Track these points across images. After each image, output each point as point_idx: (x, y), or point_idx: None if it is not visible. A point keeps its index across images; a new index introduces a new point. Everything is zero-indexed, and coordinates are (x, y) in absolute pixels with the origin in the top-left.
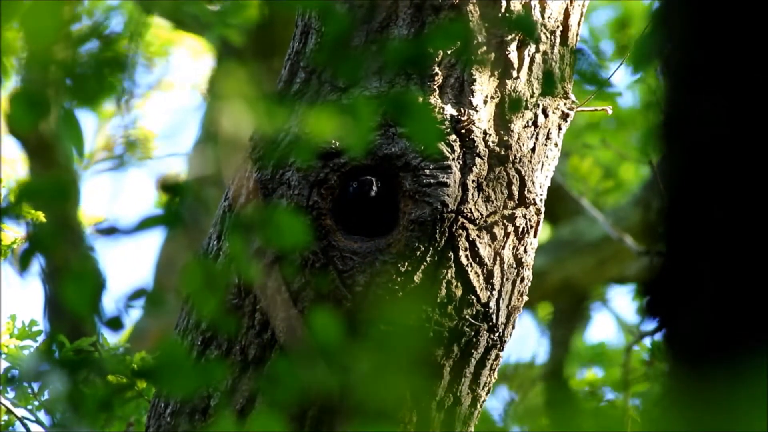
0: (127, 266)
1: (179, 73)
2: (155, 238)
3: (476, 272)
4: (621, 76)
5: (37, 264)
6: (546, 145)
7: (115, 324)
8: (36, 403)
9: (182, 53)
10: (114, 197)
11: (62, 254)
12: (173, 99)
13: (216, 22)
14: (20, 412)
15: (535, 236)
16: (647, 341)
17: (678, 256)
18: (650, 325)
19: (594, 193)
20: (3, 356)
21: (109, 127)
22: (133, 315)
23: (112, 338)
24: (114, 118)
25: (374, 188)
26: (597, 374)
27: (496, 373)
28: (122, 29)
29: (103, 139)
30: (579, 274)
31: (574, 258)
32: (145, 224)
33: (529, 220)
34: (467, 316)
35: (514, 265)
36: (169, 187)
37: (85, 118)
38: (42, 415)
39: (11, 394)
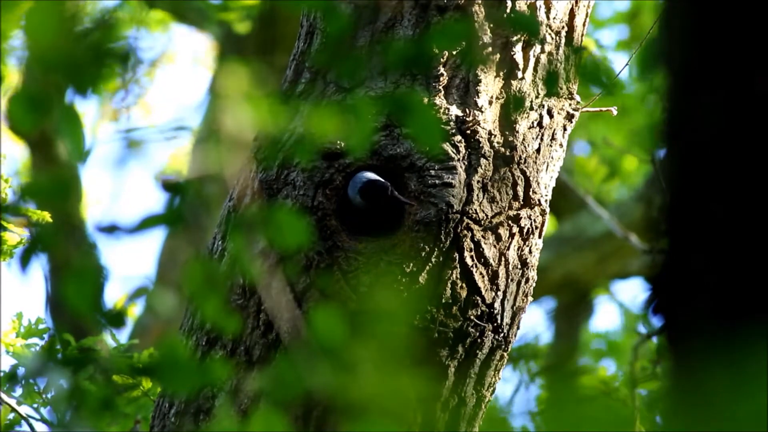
0: (130, 261)
1: (181, 47)
2: (158, 233)
3: (481, 273)
4: (626, 70)
5: (38, 262)
6: (551, 145)
7: (117, 321)
8: (41, 401)
9: (182, 28)
10: (115, 192)
11: (64, 252)
12: (176, 75)
13: (214, 10)
14: (25, 409)
15: (540, 237)
16: (653, 338)
17: (679, 253)
18: (654, 322)
19: (598, 189)
20: (9, 354)
21: (113, 102)
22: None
23: (119, 336)
24: (117, 95)
25: (390, 193)
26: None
27: (500, 373)
28: (124, 15)
29: (108, 114)
30: (581, 269)
31: (576, 254)
32: (146, 224)
33: (534, 220)
34: (472, 317)
35: (519, 266)
36: (170, 185)
37: (87, 108)
38: (47, 412)
39: (18, 392)
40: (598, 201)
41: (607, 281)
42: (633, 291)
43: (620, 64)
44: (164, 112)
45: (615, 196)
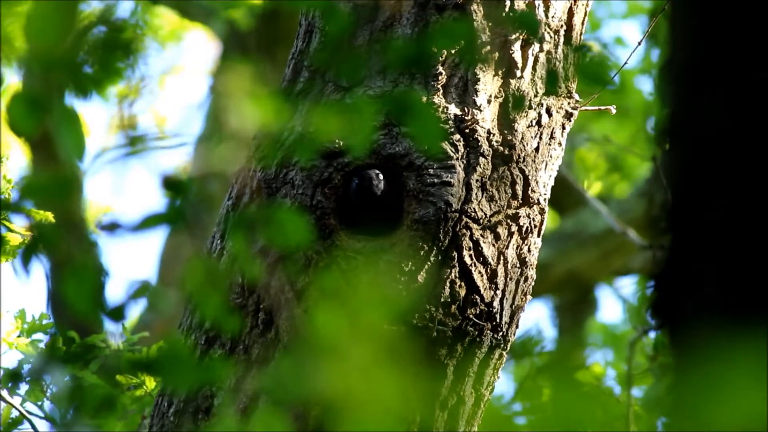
0: (132, 258)
1: (191, 57)
2: (161, 232)
3: (480, 272)
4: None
5: (40, 261)
6: (550, 144)
7: (117, 315)
8: (45, 398)
9: (195, 38)
10: (117, 191)
11: (65, 250)
12: (185, 84)
13: (221, 7)
14: (28, 407)
15: (538, 236)
16: (650, 335)
17: (681, 251)
18: (655, 320)
19: (600, 184)
20: (14, 349)
21: (120, 107)
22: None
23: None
24: (125, 100)
25: (376, 182)
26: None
27: (499, 372)
28: (129, 15)
29: (115, 120)
30: (583, 266)
31: (579, 250)
32: (147, 223)
33: (533, 219)
34: (471, 316)
35: (518, 265)
36: (171, 183)
37: (91, 108)
38: (50, 410)
39: (23, 389)
40: (603, 196)
41: (610, 277)
42: (635, 286)
43: (632, 60)
44: (173, 119)
45: (618, 190)
